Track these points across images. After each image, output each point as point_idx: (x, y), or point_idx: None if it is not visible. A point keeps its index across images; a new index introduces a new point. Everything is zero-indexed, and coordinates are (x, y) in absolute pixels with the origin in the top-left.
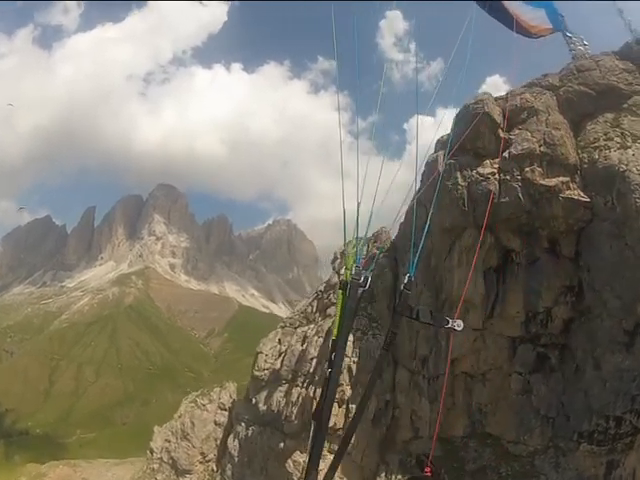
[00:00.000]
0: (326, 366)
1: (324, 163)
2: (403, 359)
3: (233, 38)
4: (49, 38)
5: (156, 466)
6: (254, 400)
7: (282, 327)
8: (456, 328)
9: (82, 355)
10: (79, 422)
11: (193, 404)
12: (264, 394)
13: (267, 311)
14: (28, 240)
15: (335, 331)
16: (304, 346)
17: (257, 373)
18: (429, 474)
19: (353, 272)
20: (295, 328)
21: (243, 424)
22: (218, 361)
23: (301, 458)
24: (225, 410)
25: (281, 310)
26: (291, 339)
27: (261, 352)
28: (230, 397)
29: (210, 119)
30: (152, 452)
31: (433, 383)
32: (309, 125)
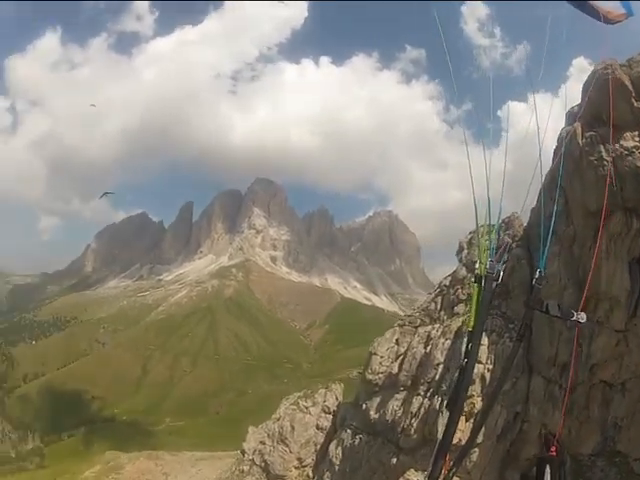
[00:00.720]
0: (461, 359)
1: (421, 152)
2: (540, 365)
3: (317, 32)
4: (126, 45)
5: (246, 468)
6: (364, 406)
7: (400, 326)
8: (580, 320)
9: (178, 346)
10: (170, 410)
11: (295, 407)
12: (377, 400)
13: (369, 303)
14: (123, 236)
15: (471, 322)
16: (427, 349)
17: (370, 377)
18: (554, 454)
19: (487, 265)
20: (416, 327)
21: (349, 431)
22: (317, 352)
23: (415, 477)
24: (329, 414)
25: (383, 302)
26: (412, 340)
27: (375, 353)
28: (336, 399)
29: (302, 112)
30: (244, 453)
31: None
32: (403, 115)
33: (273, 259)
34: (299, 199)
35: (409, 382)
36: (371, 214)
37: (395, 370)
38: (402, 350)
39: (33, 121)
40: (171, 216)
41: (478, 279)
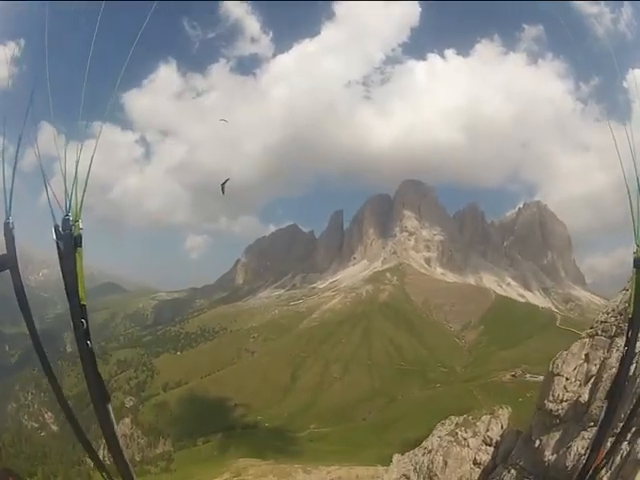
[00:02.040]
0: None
1: (561, 135)
2: None
3: (435, 25)
4: (247, 67)
5: None
6: (538, 442)
7: (590, 336)
8: None
9: (330, 352)
10: (316, 417)
11: (452, 438)
12: (556, 437)
13: (523, 300)
14: (274, 249)
15: (630, 308)
16: (633, 368)
17: (550, 405)
18: None
19: None
20: (611, 337)
21: (513, 471)
22: (472, 355)
23: None
24: (490, 445)
25: (537, 298)
26: (607, 356)
27: (559, 374)
28: (501, 428)
29: (439, 108)
30: None
31: None
32: (537, 98)
33: (427, 260)
34: (449, 197)
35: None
36: (521, 206)
37: (585, 397)
38: (594, 370)
39: (167, 150)
40: (321, 226)
41: (637, 263)
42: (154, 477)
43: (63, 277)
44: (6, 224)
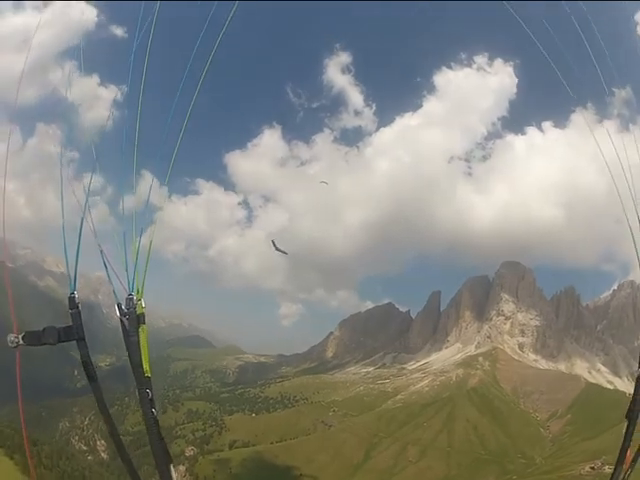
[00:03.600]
0: None
1: None
2: None
3: (532, 96)
4: (351, 139)
5: None
6: None
7: None
8: None
9: (409, 435)
10: None
11: None
12: None
13: (611, 387)
14: (368, 325)
15: None
16: None
17: None
18: None
19: None
20: None
21: None
22: (555, 445)
23: None
24: None
25: (625, 384)
26: None
27: None
28: None
29: (539, 184)
30: None
31: None
32: (626, 167)
33: (521, 346)
34: (546, 278)
35: None
36: (615, 287)
37: None
38: None
39: (268, 215)
40: (418, 306)
41: None
42: None
43: (127, 351)
44: (71, 298)
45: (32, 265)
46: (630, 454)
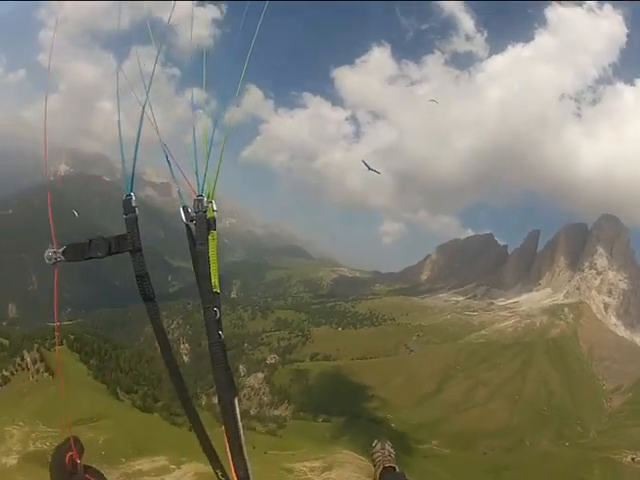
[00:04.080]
0: None
1: None
2: None
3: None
4: (462, 63)
5: None
6: None
7: None
8: None
9: (483, 374)
10: (443, 435)
11: None
12: None
13: None
14: (465, 253)
15: None
16: None
17: None
18: None
19: None
20: None
21: None
22: (610, 421)
23: None
24: None
25: None
26: None
27: None
28: None
29: None
30: None
31: None
32: None
33: (606, 306)
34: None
35: None
36: None
37: None
38: None
39: (377, 132)
40: (516, 241)
41: None
42: (253, 435)
43: (193, 262)
44: (127, 201)
45: None
46: None
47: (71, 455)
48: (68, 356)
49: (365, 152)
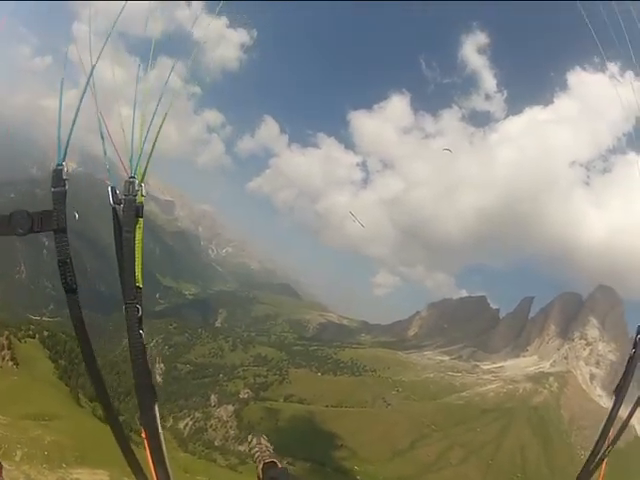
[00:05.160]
0: None
1: None
2: None
3: None
4: (478, 121)
5: None
6: None
7: None
8: None
9: (460, 436)
10: None
11: None
12: None
13: None
14: (456, 314)
15: None
16: None
17: None
18: None
19: None
20: None
21: None
22: None
23: None
24: None
25: None
26: None
27: None
28: None
29: None
30: None
31: None
32: None
33: (592, 377)
34: (635, 314)
35: None
36: None
37: None
38: None
39: (385, 181)
40: (509, 305)
41: None
42: (212, 466)
43: (117, 251)
44: (57, 171)
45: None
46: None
47: None
48: (38, 351)
49: (371, 199)
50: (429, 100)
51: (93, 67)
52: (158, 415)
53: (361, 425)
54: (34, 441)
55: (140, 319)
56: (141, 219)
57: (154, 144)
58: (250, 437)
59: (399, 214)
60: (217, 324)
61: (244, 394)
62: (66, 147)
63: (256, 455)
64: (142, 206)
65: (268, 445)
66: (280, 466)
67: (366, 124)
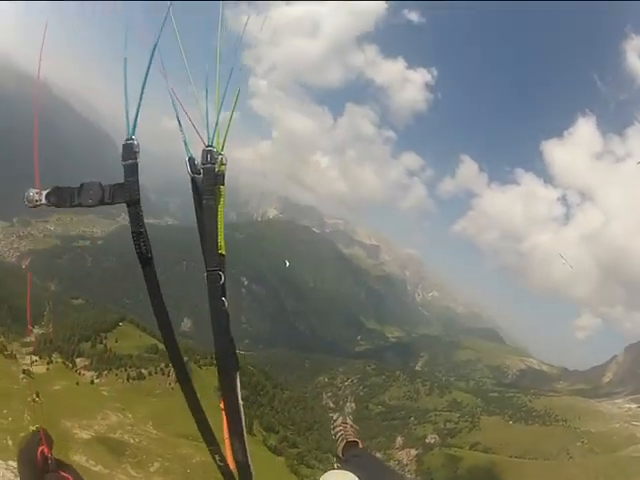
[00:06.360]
0: None
1: None
2: None
3: None
4: None
5: None
6: None
7: None
8: None
9: None
10: None
11: None
12: None
13: None
14: None
15: None
16: None
17: None
18: None
19: None
20: None
21: None
22: None
23: None
24: None
25: None
26: None
27: None
28: None
29: None
30: None
31: None
32: None
33: None
34: None
35: None
36: None
37: None
38: None
39: (584, 215)
40: None
41: None
42: None
43: (197, 219)
44: (127, 145)
45: (341, 234)
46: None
47: (42, 450)
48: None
49: (572, 237)
50: (613, 120)
51: (155, 46)
52: (239, 385)
53: (537, 478)
54: (180, 458)
55: (223, 286)
56: (223, 186)
57: (232, 113)
58: (336, 415)
59: (600, 250)
60: (417, 367)
61: (431, 439)
62: (135, 121)
63: (339, 434)
64: (223, 174)
65: (353, 425)
66: (362, 446)
67: (558, 153)
